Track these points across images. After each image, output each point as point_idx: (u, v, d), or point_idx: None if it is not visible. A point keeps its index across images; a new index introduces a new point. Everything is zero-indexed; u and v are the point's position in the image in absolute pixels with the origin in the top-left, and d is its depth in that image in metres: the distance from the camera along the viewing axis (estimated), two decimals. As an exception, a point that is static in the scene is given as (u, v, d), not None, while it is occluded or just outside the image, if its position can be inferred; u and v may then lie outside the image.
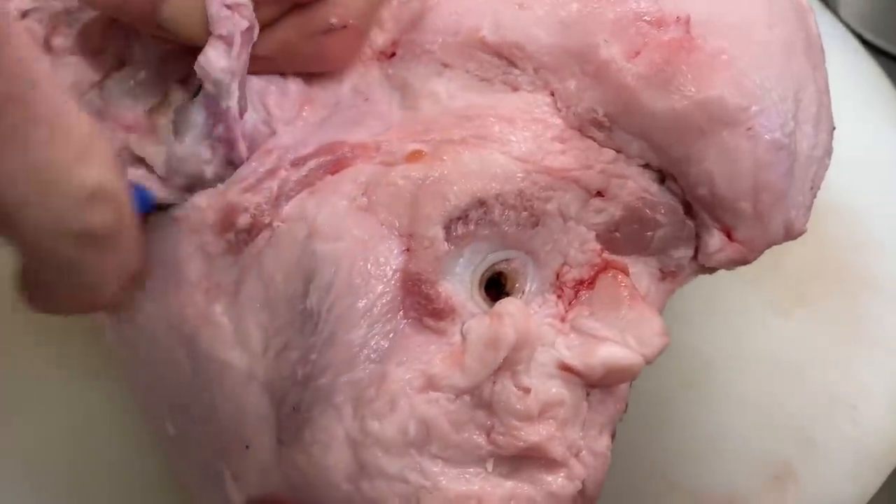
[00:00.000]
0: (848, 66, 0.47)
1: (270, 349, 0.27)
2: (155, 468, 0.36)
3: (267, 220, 0.28)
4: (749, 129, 0.28)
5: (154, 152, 0.31)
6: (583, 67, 0.29)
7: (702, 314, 0.41)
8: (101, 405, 0.38)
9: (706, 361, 0.40)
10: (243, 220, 0.28)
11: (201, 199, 0.28)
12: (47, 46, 0.35)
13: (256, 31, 0.29)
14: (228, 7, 0.28)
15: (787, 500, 0.38)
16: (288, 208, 0.28)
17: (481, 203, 0.27)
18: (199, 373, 0.28)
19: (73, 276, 0.25)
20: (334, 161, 0.28)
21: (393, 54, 0.31)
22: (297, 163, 0.28)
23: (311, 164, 0.28)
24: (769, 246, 0.30)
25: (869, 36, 0.49)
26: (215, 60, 0.28)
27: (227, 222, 0.28)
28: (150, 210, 0.29)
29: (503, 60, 0.30)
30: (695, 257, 0.31)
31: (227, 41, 0.28)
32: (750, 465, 0.38)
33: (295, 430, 0.27)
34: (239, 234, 0.28)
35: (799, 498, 0.38)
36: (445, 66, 0.30)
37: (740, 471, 0.38)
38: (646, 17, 0.29)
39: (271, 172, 0.28)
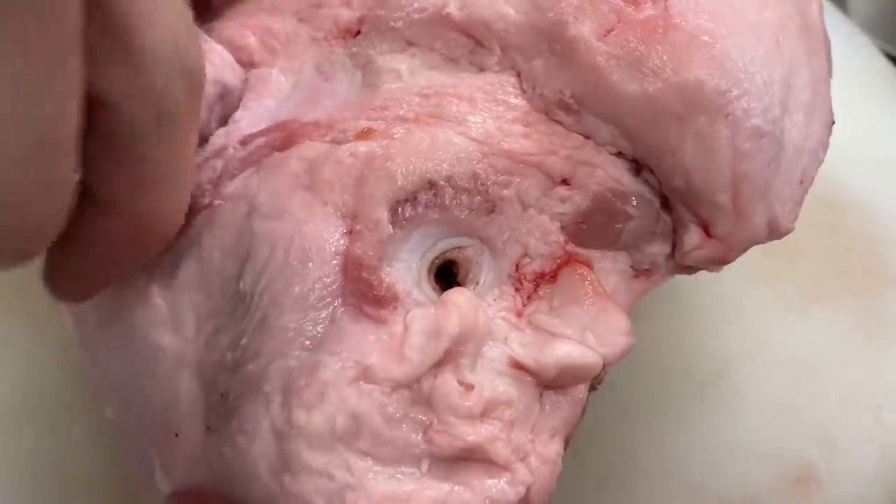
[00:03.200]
0: (867, 67, 0.45)
1: (203, 332, 0.26)
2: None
3: (207, 201, 0.26)
4: (728, 114, 0.26)
5: None
6: (551, 46, 0.27)
7: (719, 314, 0.40)
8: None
9: (724, 362, 0.39)
10: (183, 198, 0.27)
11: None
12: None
13: None
14: None
15: (810, 502, 0.36)
16: (231, 187, 0.27)
17: (431, 185, 0.26)
18: (135, 356, 0.27)
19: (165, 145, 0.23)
20: (283, 138, 0.27)
21: (358, 32, 0.29)
22: (245, 141, 0.27)
23: (259, 141, 0.27)
24: (751, 244, 0.28)
25: (880, 42, 0.46)
26: None
27: (167, 200, 0.27)
28: None
29: (470, 39, 0.28)
30: (672, 255, 0.29)
31: None
32: (771, 467, 0.37)
33: (223, 418, 0.25)
34: (179, 213, 0.27)
35: (822, 500, 0.36)
36: (410, 44, 0.28)
37: (761, 473, 0.37)
38: (621, -7, 0.27)
39: (219, 151, 0.27)
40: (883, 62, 0.46)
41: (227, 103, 0.28)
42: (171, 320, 0.26)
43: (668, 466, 0.37)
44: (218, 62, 0.29)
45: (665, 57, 0.26)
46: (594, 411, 0.36)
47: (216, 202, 0.26)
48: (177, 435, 0.26)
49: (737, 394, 0.38)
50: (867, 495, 0.37)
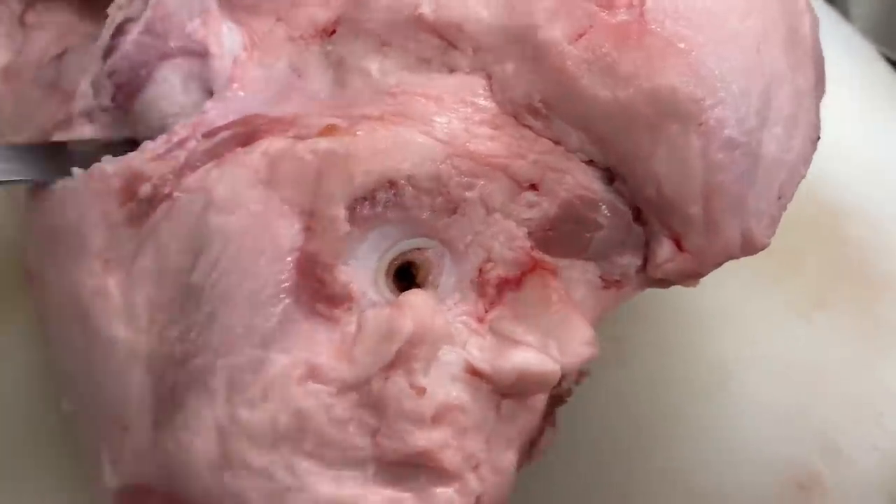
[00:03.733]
0: (868, 72, 0.44)
1: (155, 325, 0.25)
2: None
3: (167, 191, 0.26)
4: (701, 123, 0.26)
5: None
6: (522, 49, 0.27)
7: (720, 319, 0.39)
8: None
9: (725, 367, 0.38)
10: (144, 189, 0.26)
11: (109, 166, 0.27)
12: (21, 22, 0.35)
13: None
14: None
15: (813, 509, 0.36)
16: (191, 179, 0.26)
17: (391, 183, 0.25)
18: (89, 348, 0.26)
19: None
20: (247, 133, 0.27)
21: (333, 31, 0.29)
22: (209, 134, 0.27)
23: (224, 135, 0.27)
24: (724, 258, 0.27)
25: (881, 47, 0.46)
26: None
27: (129, 191, 0.27)
28: None
29: (442, 40, 0.28)
30: (643, 267, 0.28)
31: None
32: (773, 474, 0.37)
33: (169, 413, 0.25)
34: (140, 205, 0.26)
35: (826, 507, 0.36)
36: (384, 44, 0.28)
37: (764, 479, 0.37)
38: (595, -2, 0.26)
39: (182, 142, 0.27)
40: (884, 67, 0.46)
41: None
42: (124, 311, 0.26)
43: (670, 473, 0.36)
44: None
45: (638, 63, 0.26)
46: (595, 417, 0.36)
47: (176, 194, 0.26)
48: (126, 429, 0.26)
49: (739, 400, 0.37)
50: (869, 500, 0.36)
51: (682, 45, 0.26)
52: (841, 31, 0.45)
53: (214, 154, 0.26)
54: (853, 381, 0.38)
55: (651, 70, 0.26)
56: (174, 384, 0.25)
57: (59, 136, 0.29)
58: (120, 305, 0.26)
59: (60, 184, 0.28)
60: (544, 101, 0.26)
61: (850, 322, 0.39)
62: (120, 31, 0.27)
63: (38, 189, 0.28)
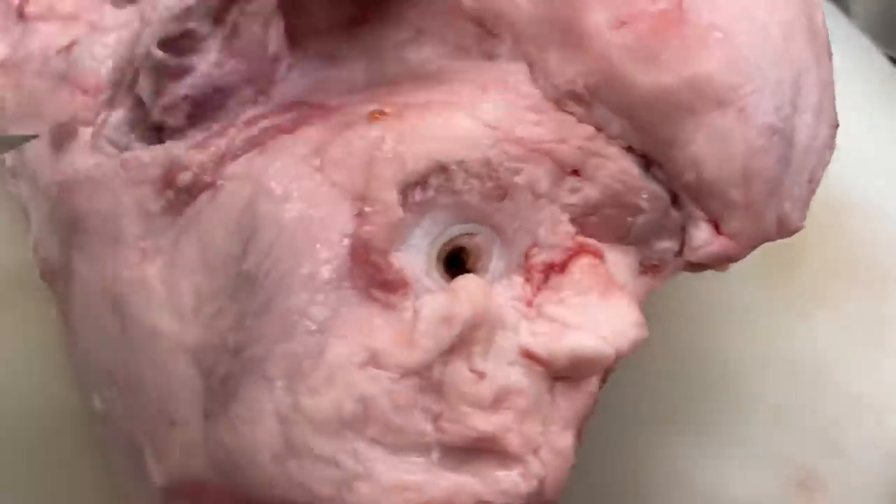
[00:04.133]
0: (870, 70, 0.45)
1: (203, 315, 0.25)
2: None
3: (209, 179, 0.26)
4: (741, 109, 0.26)
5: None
6: (564, 37, 0.27)
7: (721, 316, 0.39)
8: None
9: (725, 364, 0.38)
10: (184, 178, 0.26)
11: (145, 154, 0.26)
12: (20, 14, 0.34)
13: None
14: None
15: (814, 506, 0.37)
16: (234, 167, 0.26)
17: (443, 168, 0.25)
18: (128, 340, 0.26)
19: None
20: (291, 120, 0.26)
21: (364, 20, 0.29)
22: (249, 122, 0.26)
23: (265, 123, 0.26)
24: (760, 242, 0.28)
25: (882, 46, 0.47)
26: None
27: (167, 179, 0.26)
28: None
29: (481, 28, 0.28)
30: (680, 252, 0.28)
31: None
32: (773, 472, 0.37)
33: (223, 404, 0.24)
34: (179, 194, 0.26)
35: (826, 504, 0.37)
36: (420, 31, 0.28)
37: (764, 477, 0.37)
38: (635, -13, 0.27)
39: (222, 130, 0.26)
40: (886, 65, 0.46)
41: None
42: (168, 302, 0.25)
43: (670, 470, 0.37)
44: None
45: (679, 51, 0.26)
46: (595, 416, 0.36)
47: (219, 182, 0.26)
48: (173, 423, 0.25)
49: (739, 398, 0.38)
50: (871, 499, 0.37)
51: (719, 34, 0.27)
52: (841, 27, 0.46)
53: (256, 142, 0.26)
54: (854, 379, 0.38)
55: (691, 58, 0.26)
56: (227, 374, 0.24)
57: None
58: (162, 296, 0.25)
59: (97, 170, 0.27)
60: (587, 87, 0.27)
61: (852, 319, 0.39)
62: (187, 47, 0.27)
63: (64, 179, 0.27)
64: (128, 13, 0.31)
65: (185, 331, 0.25)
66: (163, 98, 0.26)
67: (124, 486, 0.27)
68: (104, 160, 0.27)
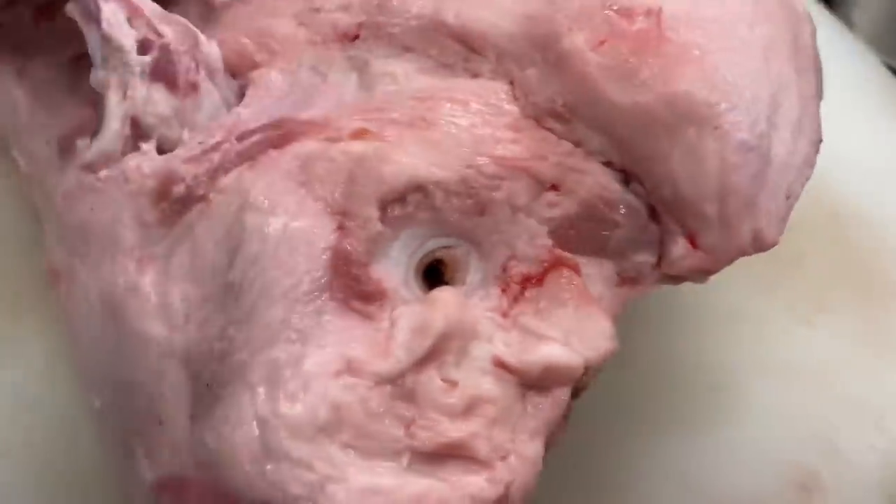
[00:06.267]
0: (871, 81, 0.45)
1: (192, 322, 0.26)
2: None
3: (201, 192, 0.27)
4: (716, 127, 0.27)
5: None
6: (544, 55, 0.28)
7: (722, 322, 0.40)
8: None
9: (726, 369, 0.39)
10: (178, 190, 0.27)
11: (145, 165, 0.28)
12: (36, 25, 0.35)
13: None
14: None
15: (812, 510, 0.37)
16: (225, 180, 0.27)
17: (420, 188, 0.26)
18: (122, 344, 0.27)
19: None
20: (280, 136, 0.27)
21: (356, 37, 0.30)
22: (242, 136, 0.28)
23: (256, 137, 0.27)
24: (736, 256, 0.28)
25: (883, 57, 0.47)
26: None
27: (162, 191, 0.27)
28: None
29: (464, 46, 0.29)
30: (658, 265, 0.29)
31: None
32: (774, 475, 0.37)
33: (208, 407, 0.25)
34: (173, 205, 0.27)
35: (825, 509, 0.37)
36: (407, 49, 0.29)
37: (764, 480, 0.37)
38: (614, 7, 0.27)
39: (217, 145, 0.28)
40: (888, 76, 0.47)
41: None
42: (160, 309, 0.27)
43: (670, 473, 0.37)
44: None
45: (656, 69, 0.27)
46: (597, 418, 0.36)
47: (211, 194, 0.27)
48: (161, 423, 0.26)
49: (740, 401, 0.38)
50: (870, 501, 0.37)
51: (696, 52, 0.27)
52: (843, 40, 0.46)
53: (248, 156, 0.27)
54: (854, 384, 0.39)
55: (669, 76, 0.27)
56: (212, 379, 0.25)
57: (81, 141, 0.30)
58: (155, 303, 0.27)
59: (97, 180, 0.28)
60: (566, 105, 0.27)
61: (852, 325, 0.40)
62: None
63: (68, 188, 0.29)
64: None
65: (175, 337, 0.26)
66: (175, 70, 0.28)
67: (122, 484, 0.28)
68: (105, 172, 0.28)
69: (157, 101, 0.28)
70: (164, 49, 0.28)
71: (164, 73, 0.28)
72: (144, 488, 0.27)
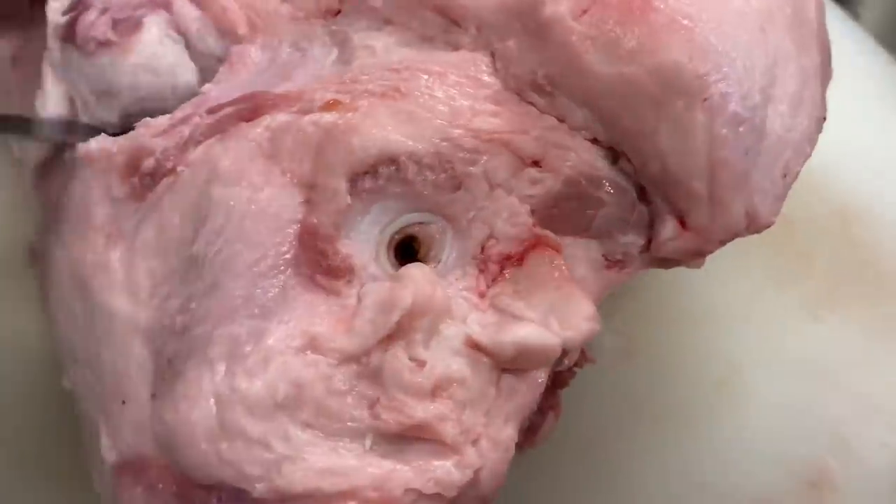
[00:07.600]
0: (880, 76, 0.44)
1: (156, 297, 0.25)
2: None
3: (170, 165, 0.26)
4: (705, 99, 0.25)
5: None
6: (525, 25, 0.26)
7: (732, 317, 0.39)
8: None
9: (737, 365, 0.38)
10: (147, 164, 0.26)
11: (112, 142, 0.27)
12: (31, 10, 0.35)
13: None
14: None
15: (823, 506, 0.37)
16: (194, 154, 0.26)
17: (392, 160, 0.25)
18: (90, 321, 0.26)
19: None
20: (251, 109, 0.27)
21: (338, 11, 0.29)
22: (213, 110, 0.27)
23: (227, 110, 0.27)
24: (729, 237, 0.27)
25: (892, 52, 0.45)
26: None
27: (131, 166, 0.27)
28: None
29: (445, 18, 0.28)
30: (647, 247, 0.27)
31: None
32: (784, 471, 0.37)
33: (169, 384, 0.25)
34: (143, 179, 0.27)
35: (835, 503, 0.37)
36: (388, 22, 0.28)
37: (774, 476, 0.37)
38: (599, -26, 0.26)
39: (186, 118, 0.27)
40: (894, 69, 0.45)
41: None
42: (126, 285, 0.26)
43: (680, 468, 0.37)
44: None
45: (642, 39, 0.26)
46: (606, 412, 0.35)
47: (179, 168, 0.26)
48: (124, 401, 0.25)
49: (750, 397, 0.37)
50: (880, 498, 0.36)
51: (686, 22, 0.26)
52: (851, 33, 0.44)
53: (218, 129, 0.26)
54: (863, 380, 0.38)
55: (655, 46, 0.25)
56: (173, 355, 0.25)
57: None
58: (121, 279, 0.26)
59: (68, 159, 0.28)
60: (548, 77, 0.26)
61: (860, 321, 0.39)
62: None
63: (43, 168, 0.28)
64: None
65: (139, 312, 0.26)
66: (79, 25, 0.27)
67: (89, 466, 0.28)
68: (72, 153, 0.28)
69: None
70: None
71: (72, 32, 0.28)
72: (107, 470, 0.26)
